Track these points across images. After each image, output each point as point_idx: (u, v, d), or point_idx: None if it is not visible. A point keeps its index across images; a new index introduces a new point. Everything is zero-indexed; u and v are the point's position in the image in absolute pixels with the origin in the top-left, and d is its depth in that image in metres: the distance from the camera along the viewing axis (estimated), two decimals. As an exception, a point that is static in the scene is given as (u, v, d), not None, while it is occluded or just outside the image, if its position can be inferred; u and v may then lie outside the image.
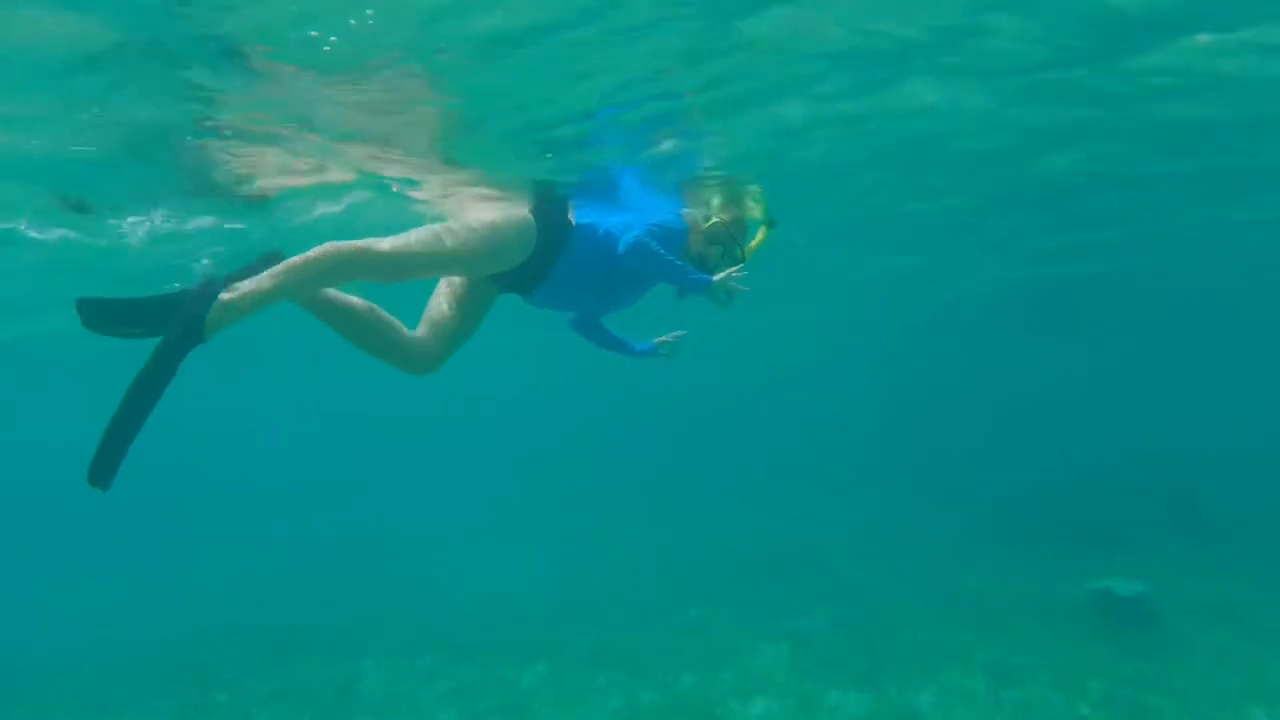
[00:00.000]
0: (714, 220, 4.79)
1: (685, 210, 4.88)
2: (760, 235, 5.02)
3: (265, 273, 3.46)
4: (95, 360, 11.93)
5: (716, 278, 4.29)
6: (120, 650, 13.06)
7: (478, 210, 4.20)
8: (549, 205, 4.43)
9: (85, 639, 14.10)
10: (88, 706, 10.22)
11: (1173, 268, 15.45)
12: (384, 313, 4.03)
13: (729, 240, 4.72)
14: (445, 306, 4.25)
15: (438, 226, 3.94)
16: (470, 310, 4.25)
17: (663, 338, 4.88)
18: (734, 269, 4.34)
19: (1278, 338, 25.05)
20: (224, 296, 3.32)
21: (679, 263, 4.27)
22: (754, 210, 5.97)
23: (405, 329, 4.09)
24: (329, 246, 3.62)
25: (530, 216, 4.17)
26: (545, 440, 35.93)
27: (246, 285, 3.40)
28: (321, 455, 35.68)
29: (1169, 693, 7.89)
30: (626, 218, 4.55)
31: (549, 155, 5.92)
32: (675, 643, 10.64)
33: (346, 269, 3.62)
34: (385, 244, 3.72)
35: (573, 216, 4.44)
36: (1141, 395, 31.75)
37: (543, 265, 4.18)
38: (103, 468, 3.08)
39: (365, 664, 10.80)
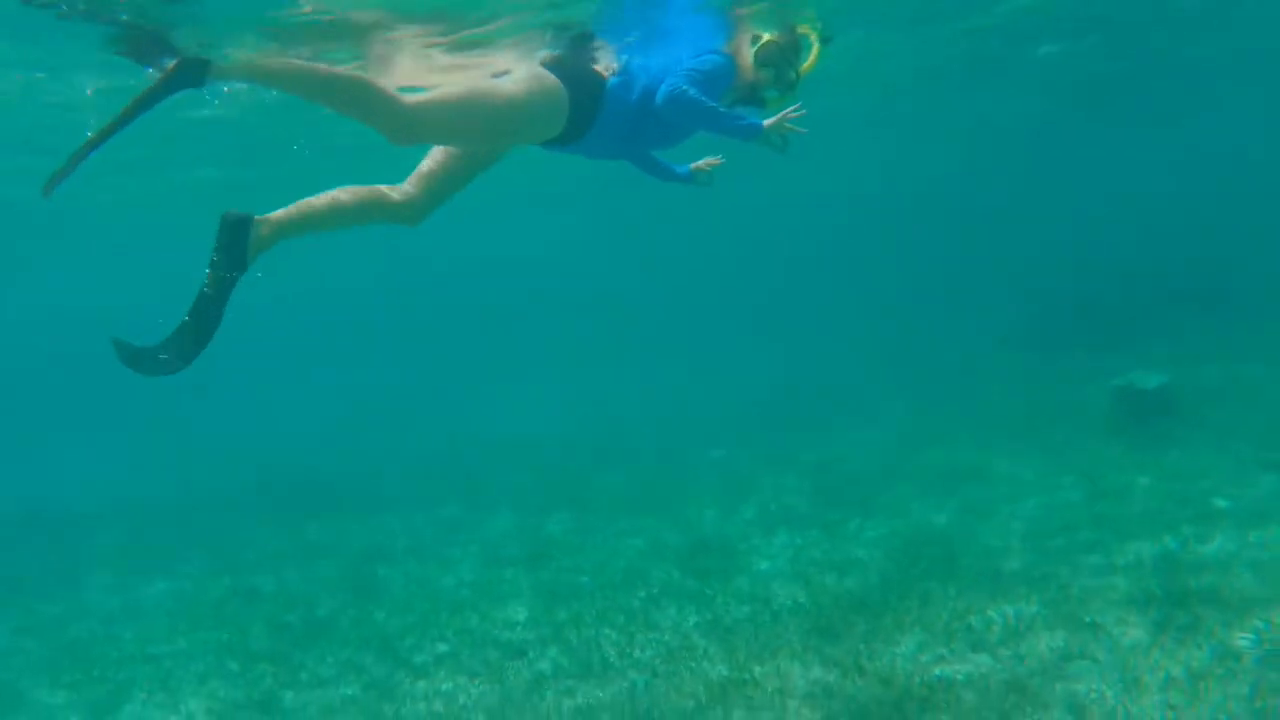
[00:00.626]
0: (764, 40, 4.31)
1: (729, 43, 4.37)
2: (813, 56, 4.54)
3: (287, 59, 3.53)
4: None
5: (768, 123, 3.89)
6: (155, 505, 13.39)
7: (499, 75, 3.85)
8: (580, 68, 4.01)
9: (125, 492, 14.45)
10: (122, 561, 10.45)
11: (1197, 54, 14.49)
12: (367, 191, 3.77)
13: (781, 62, 4.30)
14: (445, 156, 3.88)
15: (470, 92, 3.63)
16: (478, 165, 3.93)
17: (699, 164, 4.61)
18: (790, 110, 3.93)
19: None
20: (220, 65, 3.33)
21: (723, 110, 3.89)
22: (807, 29, 5.45)
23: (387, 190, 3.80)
24: (361, 80, 3.45)
25: (563, 87, 3.75)
26: (569, 289, 35.68)
27: (261, 57, 3.48)
28: (350, 313, 35.74)
29: (1184, 478, 7.82)
30: (664, 59, 4.13)
31: None
32: (698, 482, 10.66)
33: (362, 106, 3.43)
34: (411, 102, 3.44)
35: (604, 66, 4.05)
36: (1163, 183, 30.69)
37: (576, 134, 3.88)
38: (58, 177, 3.29)
39: (390, 518, 10.92)
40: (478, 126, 3.62)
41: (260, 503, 12.39)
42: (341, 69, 3.43)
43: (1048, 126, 22.20)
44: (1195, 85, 18.68)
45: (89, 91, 6.66)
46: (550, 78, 3.78)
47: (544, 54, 5.61)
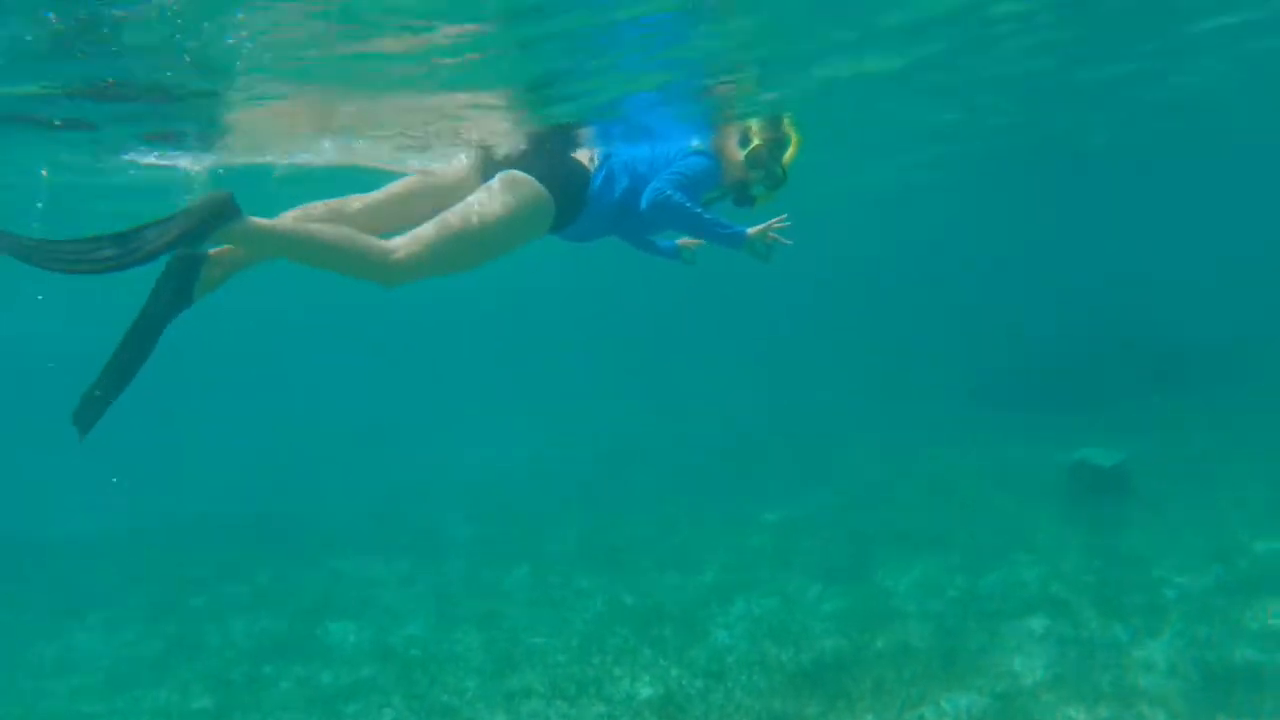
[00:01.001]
0: (754, 145, 4.50)
1: (712, 140, 4.51)
2: (793, 148, 4.71)
3: (279, 226, 3.30)
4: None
5: (752, 231, 4.00)
6: (100, 539, 12.97)
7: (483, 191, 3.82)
8: (563, 166, 4.00)
9: (65, 526, 14.00)
10: (60, 603, 10.06)
11: (1143, 131, 14.97)
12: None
13: (770, 161, 4.49)
14: (417, 210, 3.86)
15: (459, 227, 3.58)
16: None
17: (684, 240, 4.71)
18: (775, 221, 4.06)
19: (1249, 187, 24.95)
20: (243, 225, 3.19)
21: (708, 217, 3.97)
22: (789, 126, 5.64)
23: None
24: (352, 242, 3.33)
25: (547, 194, 3.79)
26: (532, 328, 35.58)
27: (259, 222, 3.25)
28: (308, 345, 35.34)
29: (1136, 563, 7.90)
30: (649, 153, 4.22)
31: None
32: (659, 537, 10.59)
33: (355, 266, 3.35)
34: (402, 255, 3.41)
35: (586, 156, 4.09)
36: (1119, 255, 31.57)
37: (558, 229, 3.98)
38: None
39: (344, 565, 10.70)
40: (469, 256, 3.65)
41: (213, 542, 12.09)
42: (330, 229, 3.33)
43: (1028, 196, 22.74)
44: (1172, 158, 19.23)
45: (43, 172, 6.58)
46: (533, 186, 3.78)
47: (524, 148, 5.58)
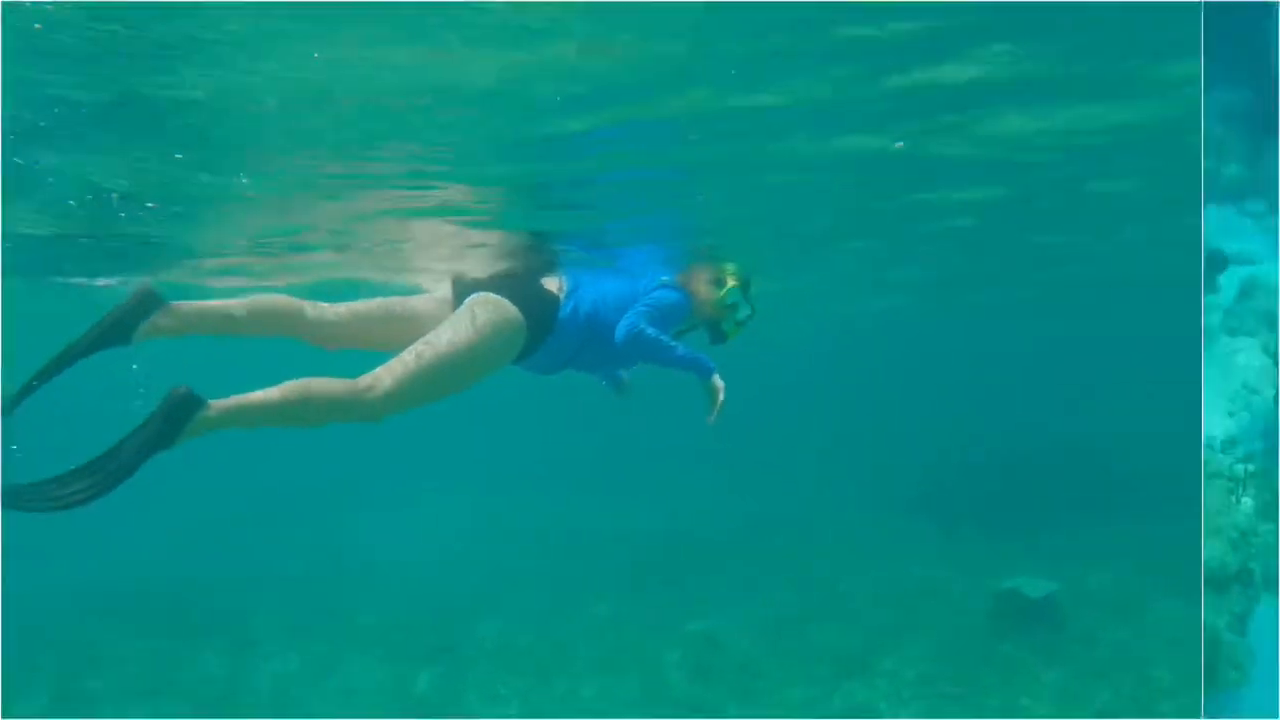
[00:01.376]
0: (730, 284, 4.61)
1: (680, 275, 4.64)
2: (748, 282, 4.85)
3: (254, 398, 3.18)
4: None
5: (721, 384, 4.06)
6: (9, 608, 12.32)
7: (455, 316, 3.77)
8: (535, 293, 4.02)
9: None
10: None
11: (1084, 259, 15.64)
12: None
13: (740, 300, 4.62)
14: (392, 333, 3.85)
15: (436, 359, 3.53)
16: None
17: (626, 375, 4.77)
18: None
19: (1185, 323, 25.86)
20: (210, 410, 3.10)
21: (681, 351, 4.02)
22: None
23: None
24: (324, 391, 3.24)
25: (520, 317, 3.80)
26: (460, 413, 34.99)
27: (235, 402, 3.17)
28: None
29: (1064, 700, 7.94)
30: (617, 286, 4.26)
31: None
32: (583, 641, 10.38)
33: (335, 413, 3.27)
34: (378, 393, 3.35)
35: (555, 284, 4.11)
36: (1056, 380, 32.43)
37: (523, 355, 3.96)
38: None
39: (254, 652, 10.31)
40: (444, 384, 3.60)
41: (120, 620, 11.53)
42: (296, 388, 3.21)
43: (969, 323, 23.24)
44: (1102, 290, 19.83)
45: None
46: (506, 306, 3.79)
47: (496, 273, 5.64)
